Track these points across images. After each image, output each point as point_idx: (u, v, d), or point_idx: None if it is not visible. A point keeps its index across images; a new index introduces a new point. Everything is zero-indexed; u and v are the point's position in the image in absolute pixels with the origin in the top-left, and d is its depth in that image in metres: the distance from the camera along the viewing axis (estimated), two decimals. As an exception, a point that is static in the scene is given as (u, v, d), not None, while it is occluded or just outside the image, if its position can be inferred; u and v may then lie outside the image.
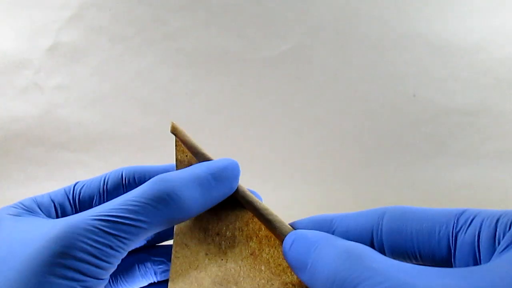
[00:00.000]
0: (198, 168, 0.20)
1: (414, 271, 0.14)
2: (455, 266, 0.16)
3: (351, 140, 0.60)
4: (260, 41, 0.61)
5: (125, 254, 0.17)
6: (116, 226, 0.17)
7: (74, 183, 0.23)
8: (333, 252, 0.16)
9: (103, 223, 0.17)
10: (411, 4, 0.59)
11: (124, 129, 0.64)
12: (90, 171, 0.62)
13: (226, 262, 0.21)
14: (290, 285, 0.20)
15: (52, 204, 0.21)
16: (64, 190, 0.22)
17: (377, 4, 0.59)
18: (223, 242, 0.21)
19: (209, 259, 0.21)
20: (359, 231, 0.19)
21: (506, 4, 0.58)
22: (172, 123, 0.21)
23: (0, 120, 0.65)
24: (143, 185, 0.18)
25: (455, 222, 0.17)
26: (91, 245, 0.16)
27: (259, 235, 0.21)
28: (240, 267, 0.20)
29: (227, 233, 0.21)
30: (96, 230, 0.16)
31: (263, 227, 0.21)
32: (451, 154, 0.59)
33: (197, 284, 0.20)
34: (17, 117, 0.65)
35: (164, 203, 0.18)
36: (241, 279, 0.20)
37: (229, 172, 0.20)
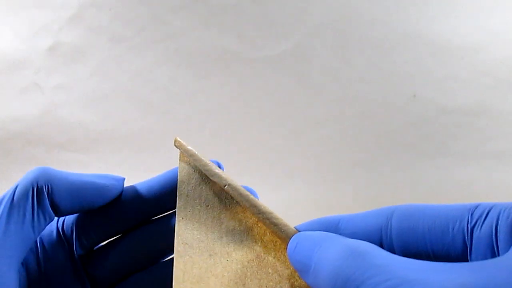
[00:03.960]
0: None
1: (423, 267, 0.13)
2: None
3: (351, 140, 0.60)
4: (260, 41, 0.61)
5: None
6: None
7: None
8: (335, 250, 0.15)
9: None
10: (411, 4, 0.59)
11: (124, 129, 0.64)
12: (90, 171, 0.62)
13: (232, 263, 0.20)
14: None
15: None
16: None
17: (377, 4, 0.59)
18: (226, 245, 0.21)
19: (214, 260, 0.20)
20: (367, 232, 0.18)
21: (506, 4, 0.58)
22: (175, 138, 0.22)
23: (0, 120, 0.65)
24: None
25: (470, 216, 0.16)
26: None
27: (264, 240, 0.21)
28: (246, 268, 0.20)
29: (230, 237, 0.21)
30: None
31: (268, 232, 0.21)
32: (451, 154, 0.59)
33: (204, 284, 0.20)
34: (17, 117, 0.65)
35: None
36: (249, 280, 0.20)
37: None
